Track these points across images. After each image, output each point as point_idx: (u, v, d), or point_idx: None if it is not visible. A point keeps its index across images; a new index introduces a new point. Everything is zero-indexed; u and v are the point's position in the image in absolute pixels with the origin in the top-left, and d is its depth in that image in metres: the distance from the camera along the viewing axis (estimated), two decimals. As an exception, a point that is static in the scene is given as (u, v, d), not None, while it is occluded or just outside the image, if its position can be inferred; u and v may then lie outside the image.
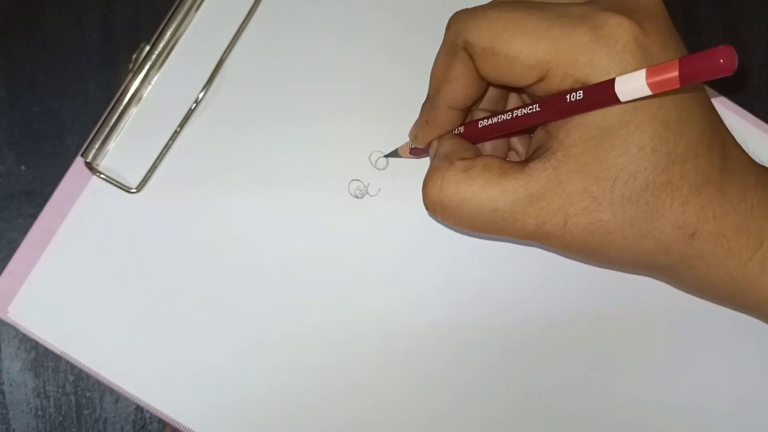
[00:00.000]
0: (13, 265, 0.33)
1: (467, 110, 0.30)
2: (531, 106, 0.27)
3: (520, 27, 0.26)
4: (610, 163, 0.26)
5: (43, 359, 0.34)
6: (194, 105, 0.34)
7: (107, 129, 0.33)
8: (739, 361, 0.35)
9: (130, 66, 0.33)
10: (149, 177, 0.33)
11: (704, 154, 0.26)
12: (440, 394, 0.34)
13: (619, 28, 0.25)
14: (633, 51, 0.25)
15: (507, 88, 0.31)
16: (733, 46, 0.21)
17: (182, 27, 0.34)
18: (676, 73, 0.22)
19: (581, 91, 0.25)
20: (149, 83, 0.34)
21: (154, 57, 0.33)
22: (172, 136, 0.34)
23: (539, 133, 0.28)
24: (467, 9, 0.28)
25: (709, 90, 0.35)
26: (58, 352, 0.33)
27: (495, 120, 0.29)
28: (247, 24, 0.35)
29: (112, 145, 0.33)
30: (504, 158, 0.31)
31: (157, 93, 0.34)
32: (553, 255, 0.34)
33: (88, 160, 0.33)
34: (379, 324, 0.34)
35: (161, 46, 0.34)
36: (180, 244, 0.33)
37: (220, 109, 0.34)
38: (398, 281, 0.34)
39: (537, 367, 0.34)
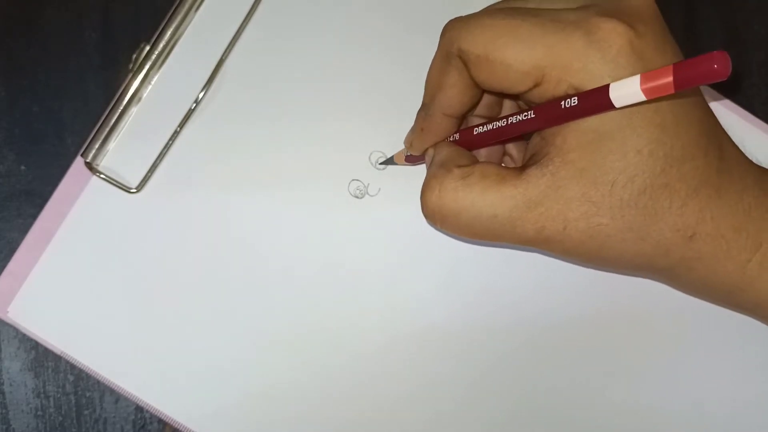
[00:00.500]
0: (13, 265, 0.33)
1: (462, 117, 0.31)
2: (526, 113, 0.27)
3: (514, 34, 0.26)
4: (608, 168, 0.26)
5: (43, 359, 0.34)
6: (194, 105, 0.34)
7: (107, 129, 0.33)
8: (738, 362, 0.35)
9: (130, 66, 0.33)
10: (149, 177, 0.33)
11: (701, 157, 0.26)
12: (440, 394, 0.34)
13: (612, 33, 0.25)
14: (627, 55, 0.25)
15: (502, 95, 0.31)
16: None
17: (182, 27, 0.34)
18: (670, 79, 0.22)
19: (576, 98, 0.25)
20: (149, 83, 0.34)
21: (154, 57, 0.33)
22: (172, 136, 0.34)
23: (535, 139, 0.28)
24: (461, 17, 0.28)
25: (709, 91, 0.35)
26: (58, 352, 0.33)
27: (490, 127, 0.29)
28: (247, 24, 0.35)
29: (112, 145, 0.33)
30: (499, 164, 0.31)
31: (157, 93, 0.34)
32: (554, 257, 0.34)
33: (88, 160, 0.33)
34: (379, 324, 0.34)
35: (161, 46, 0.34)
36: (180, 243, 0.33)
37: (220, 109, 0.34)
38: (398, 281, 0.34)
39: (537, 368, 0.34)
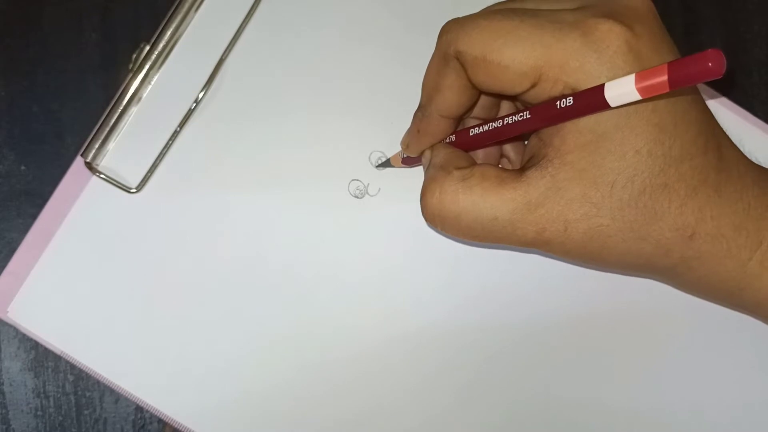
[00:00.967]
0: (13, 265, 0.33)
1: (459, 119, 0.31)
2: (522, 113, 0.27)
3: (512, 35, 0.26)
4: (607, 168, 0.26)
5: (42, 359, 0.34)
6: (194, 105, 0.34)
7: (107, 129, 0.33)
8: (739, 363, 0.35)
9: (130, 66, 0.33)
10: (149, 177, 0.33)
11: (700, 156, 0.26)
12: (440, 395, 0.34)
13: (609, 33, 0.25)
14: (624, 55, 0.25)
15: (499, 96, 0.31)
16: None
17: (182, 27, 0.34)
18: (665, 78, 0.22)
19: (571, 98, 0.25)
20: (149, 83, 0.34)
21: (154, 57, 0.33)
22: (172, 136, 0.34)
23: (533, 141, 0.28)
24: (458, 18, 0.28)
25: (708, 90, 0.35)
26: (58, 352, 0.33)
27: (487, 128, 0.29)
28: (247, 24, 0.35)
29: (111, 145, 0.33)
30: (497, 165, 0.31)
31: (156, 93, 0.34)
32: (553, 258, 0.34)
33: (87, 160, 0.33)
34: (379, 323, 0.34)
35: (161, 46, 0.34)
36: (179, 244, 0.33)
37: (220, 109, 0.34)
38: (398, 281, 0.34)
39: (536, 368, 0.34)
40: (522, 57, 0.26)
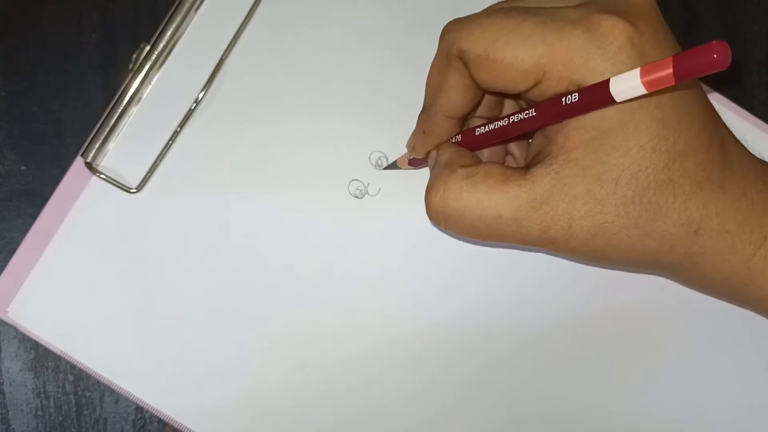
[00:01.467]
0: (13, 265, 0.33)
1: (464, 119, 0.30)
2: (527, 111, 0.27)
3: (514, 33, 0.26)
4: (612, 165, 0.26)
5: (43, 359, 0.34)
6: (194, 105, 0.34)
7: (107, 129, 0.33)
8: (741, 363, 0.34)
9: (130, 66, 0.33)
10: (149, 177, 0.33)
11: (704, 151, 0.26)
12: (440, 395, 0.34)
13: (613, 29, 0.25)
14: (627, 51, 0.25)
15: (503, 95, 0.31)
16: (733, 46, 0.21)
17: (182, 27, 0.34)
18: (670, 71, 0.22)
19: (576, 94, 0.25)
20: (149, 83, 0.34)
21: (154, 57, 0.33)
22: (172, 136, 0.34)
23: (538, 138, 0.28)
24: (460, 18, 0.28)
25: (708, 90, 0.35)
26: (58, 352, 0.33)
27: (492, 127, 0.29)
28: (247, 24, 0.34)
29: (112, 145, 0.33)
30: (502, 164, 0.31)
31: (157, 93, 0.34)
32: (555, 257, 0.34)
33: (88, 160, 0.33)
34: (379, 324, 0.34)
35: (161, 46, 0.33)
36: (180, 244, 0.33)
37: (220, 109, 0.34)
38: (398, 281, 0.34)
39: (537, 369, 0.34)
40: (525, 55, 0.26)
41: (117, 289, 0.33)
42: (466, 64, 0.27)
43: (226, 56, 0.34)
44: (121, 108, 0.33)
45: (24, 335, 0.33)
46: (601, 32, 0.25)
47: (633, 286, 0.34)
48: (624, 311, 0.34)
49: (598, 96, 0.24)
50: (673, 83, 0.22)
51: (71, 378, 0.34)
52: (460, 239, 0.34)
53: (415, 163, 0.33)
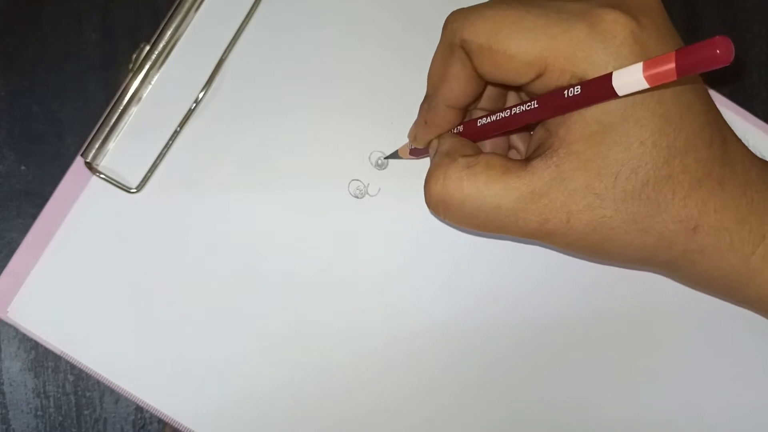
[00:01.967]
0: (13, 265, 0.33)
1: (466, 109, 0.30)
2: (529, 103, 0.27)
3: (517, 24, 0.26)
4: (612, 159, 0.26)
5: (43, 359, 0.33)
6: (194, 105, 0.34)
7: (107, 129, 0.33)
8: (741, 363, 0.34)
9: (130, 66, 0.33)
10: (149, 177, 0.33)
11: (704, 148, 0.26)
12: (441, 395, 0.34)
13: (615, 24, 0.25)
14: (630, 46, 0.25)
15: (505, 87, 0.31)
16: (733, 45, 0.21)
17: (182, 27, 0.34)
18: (672, 65, 0.22)
19: (579, 87, 0.25)
20: (149, 83, 0.34)
21: (154, 57, 0.33)
22: (172, 136, 0.34)
23: (539, 131, 0.28)
24: (464, 8, 0.28)
25: (708, 89, 0.35)
26: (58, 352, 0.33)
27: (494, 118, 0.29)
28: (247, 24, 0.34)
29: (111, 145, 0.33)
30: (505, 156, 0.31)
31: (157, 93, 0.34)
32: (555, 255, 0.34)
33: (87, 160, 0.33)
34: (379, 324, 0.34)
35: (161, 46, 0.33)
36: (180, 244, 0.33)
37: (220, 109, 0.34)
38: (398, 281, 0.34)
39: (537, 369, 0.34)
40: (527, 47, 0.26)
41: (117, 289, 0.33)
42: (468, 55, 0.27)
43: (226, 56, 0.34)
44: (121, 108, 0.33)
45: (24, 335, 0.33)
46: (604, 26, 0.25)
47: (633, 285, 0.34)
48: (624, 311, 0.34)
49: (600, 89, 0.24)
50: (675, 78, 0.22)
51: (71, 378, 0.34)
52: (458, 229, 0.34)
53: (416, 153, 0.33)
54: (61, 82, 0.34)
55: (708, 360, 0.34)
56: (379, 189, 0.34)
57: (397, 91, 0.35)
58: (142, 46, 0.33)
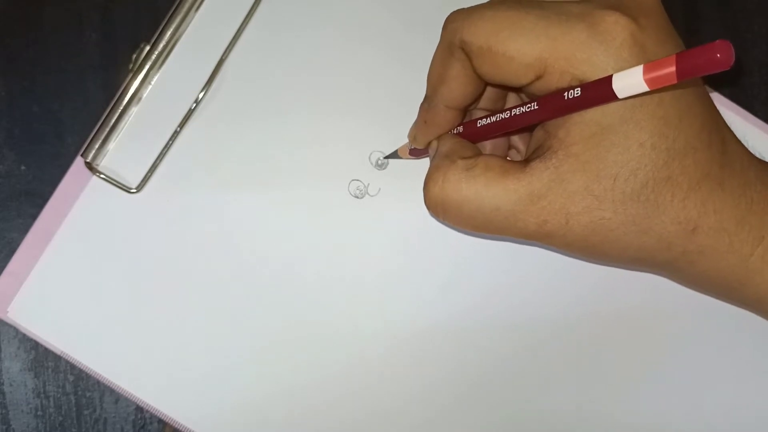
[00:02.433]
0: (13, 265, 0.33)
1: (465, 110, 0.30)
2: (529, 105, 0.26)
3: (518, 25, 0.26)
4: (611, 161, 0.26)
5: (43, 359, 0.33)
6: (194, 105, 0.34)
7: (107, 129, 0.33)
8: (742, 364, 0.34)
9: (130, 66, 0.33)
10: (149, 177, 0.33)
11: (704, 149, 0.26)
12: (442, 395, 0.33)
13: (616, 25, 0.25)
14: (630, 47, 0.25)
15: (505, 88, 0.31)
16: (733, 45, 0.21)
17: (182, 27, 0.34)
18: (673, 69, 0.22)
19: (579, 89, 0.24)
20: (149, 83, 0.33)
21: (154, 57, 0.33)
22: (172, 136, 0.34)
23: (538, 132, 0.28)
24: (464, 8, 0.28)
25: (708, 89, 0.35)
26: (58, 352, 0.32)
27: (493, 119, 0.28)
28: (247, 24, 0.34)
29: (112, 145, 0.33)
30: (504, 157, 0.31)
31: (157, 93, 0.34)
32: (555, 256, 0.34)
33: (88, 160, 0.32)
34: (379, 324, 0.34)
35: (161, 46, 0.33)
36: (180, 244, 0.33)
37: (220, 109, 0.34)
38: (398, 281, 0.34)
39: (537, 369, 0.34)
40: (527, 48, 0.26)
41: (117, 289, 0.33)
42: (468, 56, 0.27)
43: (226, 56, 0.34)
44: (121, 108, 0.33)
45: (24, 335, 0.33)
46: (604, 28, 0.25)
47: (633, 285, 0.34)
48: (624, 310, 0.34)
49: (600, 92, 0.24)
50: (675, 81, 0.22)
51: (71, 378, 0.34)
52: (457, 231, 0.34)
53: (415, 153, 0.33)
54: (61, 82, 0.34)
55: (708, 360, 0.34)
56: (379, 189, 0.34)
57: (397, 91, 0.35)
58: (142, 46, 0.33)
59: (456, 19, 0.27)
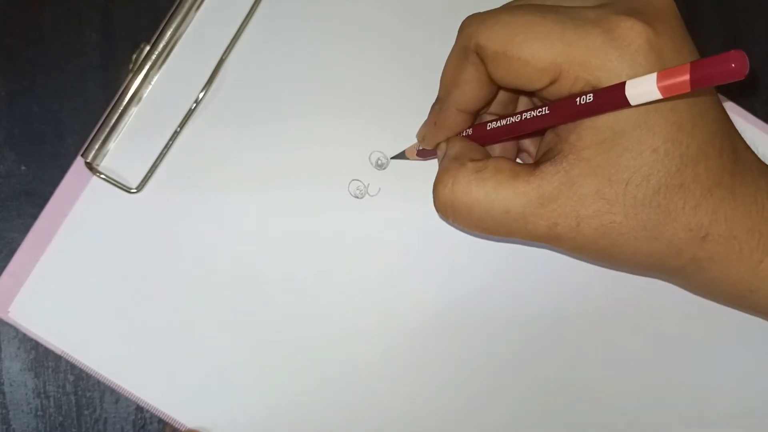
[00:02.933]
0: (13, 265, 0.33)
1: (477, 113, 0.30)
2: (540, 109, 0.26)
3: (533, 31, 0.26)
4: (623, 166, 0.26)
5: (43, 359, 0.34)
6: (194, 105, 0.34)
7: (107, 129, 0.32)
8: (742, 364, 0.34)
9: (130, 66, 0.33)
10: (149, 177, 0.33)
11: (716, 157, 0.26)
12: (442, 395, 0.33)
13: (631, 31, 0.25)
14: (645, 54, 0.25)
15: (517, 92, 0.31)
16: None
17: (182, 27, 0.33)
18: (687, 77, 0.21)
19: (591, 95, 0.24)
20: (149, 83, 0.33)
21: (154, 57, 0.33)
22: (173, 136, 0.34)
23: (549, 136, 0.28)
24: (479, 13, 0.27)
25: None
26: (59, 352, 0.32)
27: (504, 122, 0.28)
28: (247, 24, 0.34)
29: (112, 145, 0.33)
30: (514, 160, 0.31)
31: (157, 93, 0.33)
32: (556, 256, 0.34)
33: (88, 161, 0.32)
34: (379, 324, 0.34)
35: (161, 46, 0.33)
36: (180, 244, 0.33)
37: (220, 109, 0.34)
38: (399, 281, 0.34)
39: (536, 369, 0.34)
40: (542, 53, 0.25)
41: (117, 289, 0.33)
42: (482, 60, 0.27)
43: (227, 56, 0.34)
44: (122, 108, 0.32)
45: (24, 335, 0.33)
46: (619, 33, 0.25)
47: (637, 282, 0.34)
48: (624, 310, 0.34)
49: (613, 98, 0.24)
50: (689, 90, 0.21)
51: (71, 378, 0.34)
52: (465, 233, 0.33)
53: (423, 154, 0.33)
54: (61, 82, 0.34)
55: (708, 360, 0.34)
56: (379, 189, 0.34)
57: (398, 91, 0.34)
58: (142, 46, 0.33)
59: (471, 23, 0.27)
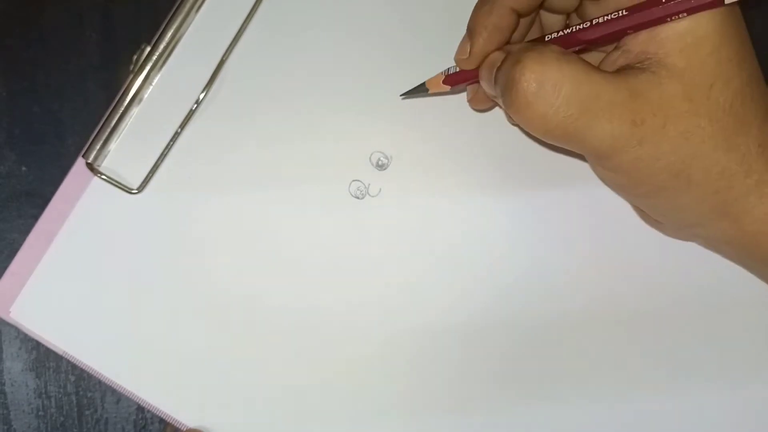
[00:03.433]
0: (15, 265, 0.33)
1: (529, 18, 0.29)
2: (616, 12, 0.26)
3: None
4: (707, 71, 0.26)
5: (44, 359, 0.34)
6: (195, 105, 0.34)
7: (108, 130, 0.32)
8: (743, 364, 0.34)
9: (131, 67, 0.33)
10: (150, 178, 0.33)
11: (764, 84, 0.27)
12: (442, 395, 0.34)
13: None
14: None
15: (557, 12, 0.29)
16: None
17: (183, 27, 0.33)
18: None
19: None
20: (150, 84, 0.33)
21: (154, 57, 0.33)
22: (173, 136, 0.33)
23: (614, 55, 0.27)
24: None
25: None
26: (60, 353, 0.32)
27: (567, 31, 0.27)
28: (247, 24, 0.34)
29: (113, 145, 0.33)
30: None
31: (157, 93, 0.33)
32: (557, 254, 0.34)
33: (89, 161, 0.32)
34: (379, 323, 0.33)
35: (162, 46, 0.33)
36: (181, 244, 0.33)
37: (220, 109, 0.34)
38: (399, 281, 0.34)
39: (536, 368, 0.34)
40: None
41: (118, 290, 0.33)
42: None
43: (227, 57, 0.34)
44: (122, 109, 0.32)
45: (25, 335, 0.33)
46: None
47: (637, 282, 0.34)
48: (624, 310, 0.34)
49: None
50: None
51: (72, 378, 0.34)
52: (531, 133, 0.28)
53: (455, 80, 0.29)
54: (62, 82, 0.34)
55: (708, 360, 0.34)
56: (380, 189, 0.34)
57: (398, 91, 0.34)
58: (142, 46, 0.33)
59: None
